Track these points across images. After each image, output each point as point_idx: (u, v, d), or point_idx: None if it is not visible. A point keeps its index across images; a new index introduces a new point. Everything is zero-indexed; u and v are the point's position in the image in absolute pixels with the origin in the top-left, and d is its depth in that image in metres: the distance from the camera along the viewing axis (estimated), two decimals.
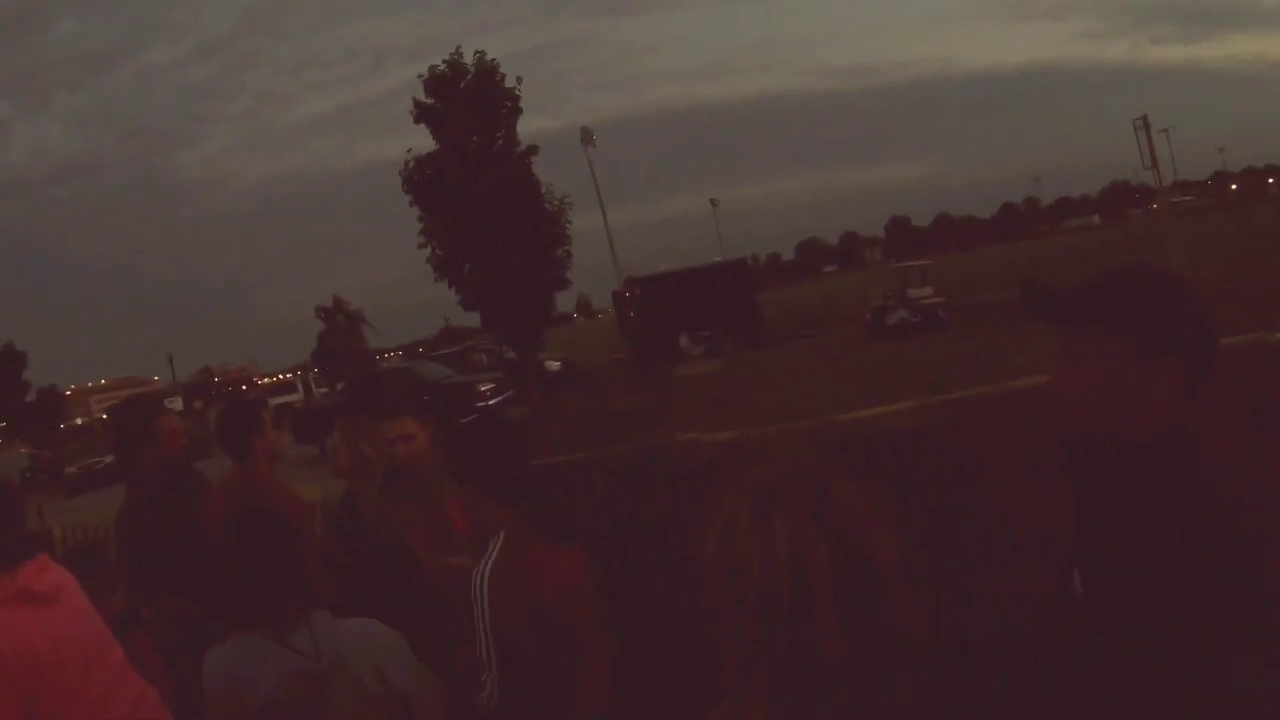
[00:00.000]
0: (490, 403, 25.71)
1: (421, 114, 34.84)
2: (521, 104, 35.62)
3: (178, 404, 44.26)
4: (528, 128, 35.10)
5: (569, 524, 3.34)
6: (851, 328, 35.60)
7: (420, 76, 34.90)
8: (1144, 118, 27.53)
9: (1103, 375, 1.88)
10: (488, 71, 34.82)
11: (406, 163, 34.27)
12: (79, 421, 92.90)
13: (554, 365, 35.56)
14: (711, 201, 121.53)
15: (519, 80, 35.43)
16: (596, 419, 19.91)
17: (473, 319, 41.59)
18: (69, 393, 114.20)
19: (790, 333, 40.01)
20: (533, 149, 35.41)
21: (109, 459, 38.54)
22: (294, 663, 2.74)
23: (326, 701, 2.76)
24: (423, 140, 35.50)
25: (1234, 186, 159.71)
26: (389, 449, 5.15)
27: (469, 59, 34.97)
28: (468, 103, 34.22)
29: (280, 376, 79.81)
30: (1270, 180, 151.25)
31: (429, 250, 34.47)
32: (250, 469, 5.34)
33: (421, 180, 33.99)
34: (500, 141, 34.95)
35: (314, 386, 60.22)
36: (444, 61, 34.73)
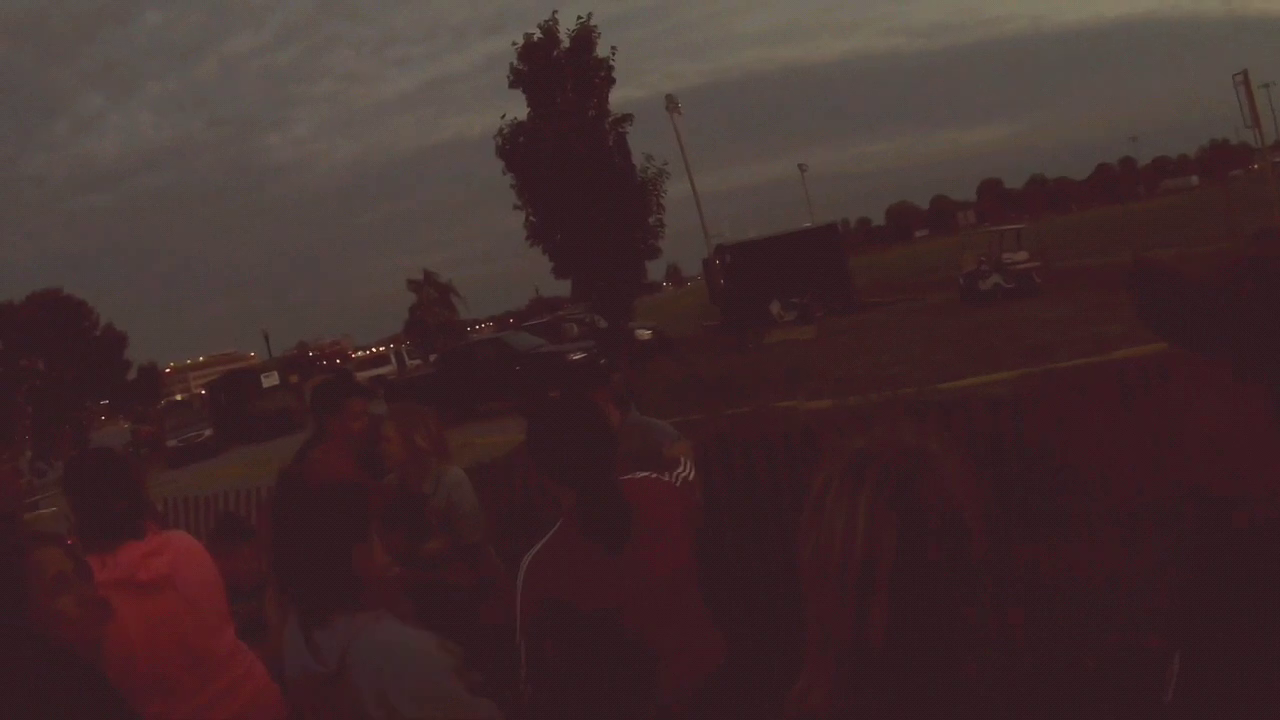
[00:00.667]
0: None
1: (517, 79, 35.13)
2: (615, 74, 35.81)
3: (274, 378, 45.14)
4: (614, 97, 35.26)
5: (619, 530, 3.09)
6: (944, 293, 35.08)
7: (515, 44, 35.21)
8: (1244, 73, 26.40)
9: (1229, 419, 1.37)
10: (585, 36, 34.95)
11: (501, 129, 34.64)
12: (178, 397, 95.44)
13: (645, 334, 35.46)
14: (800, 166, 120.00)
15: (613, 50, 35.59)
16: (690, 387, 19.99)
17: (563, 289, 41.96)
18: (168, 370, 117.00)
19: (883, 298, 39.57)
20: (626, 117, 35.56)
21: (208, 432, 39.48)
22: (305, 663, 2.68)
23: (331, 708, 2.66)
24: (515, 108, 36.09)
25: None
26: None
27: (567, 24, 35.19)
28: (563, 69, 34.46)
29: (374, 349, 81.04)
30: None
31: (524, 217, 34.86)
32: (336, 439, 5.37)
33: (516, 147, 34.34)
34: (593, 110, 35.14)
35: (406, 358, 61.13)
36: (539, 28, 34.97)
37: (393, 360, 60.09)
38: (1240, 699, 1.32)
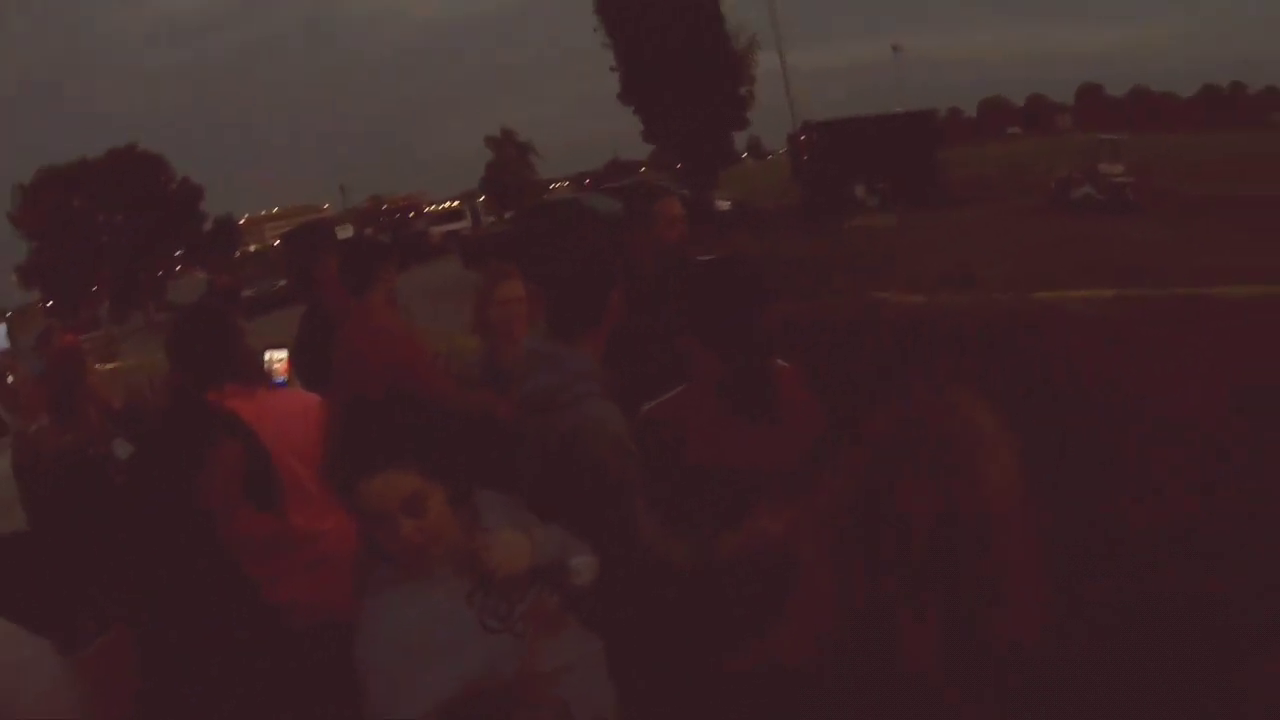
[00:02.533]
0: None
1: None
2: None
3: (348, 230, 45.62)
4: None
5: (767, 400, 3.03)
6: (1033, 197, 34.33)
7: None
8: None
9: None
10: None
11: None
12: (253, 249, 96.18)
13: (724, 205, 34.87)
14: (894, 48, 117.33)
15: None
16: (770, 265, 19.88)
17: (640, 153, 41.67)
18: (243, 221, 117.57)
19: (968, 194, 38.87)
20: None
21: (283, 282, 39.80)
22: None
23: None
24: None
25: None
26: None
27: None
28: None
29: (448, 204, 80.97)
30: None
31: (618, 76, 34.53)
32: (367, 308, 5.05)
33: (613, 3, 33.92)
34: None
35: (481, 214, 60.94)
36: None
37: (467, 215, 59.92)
38: None
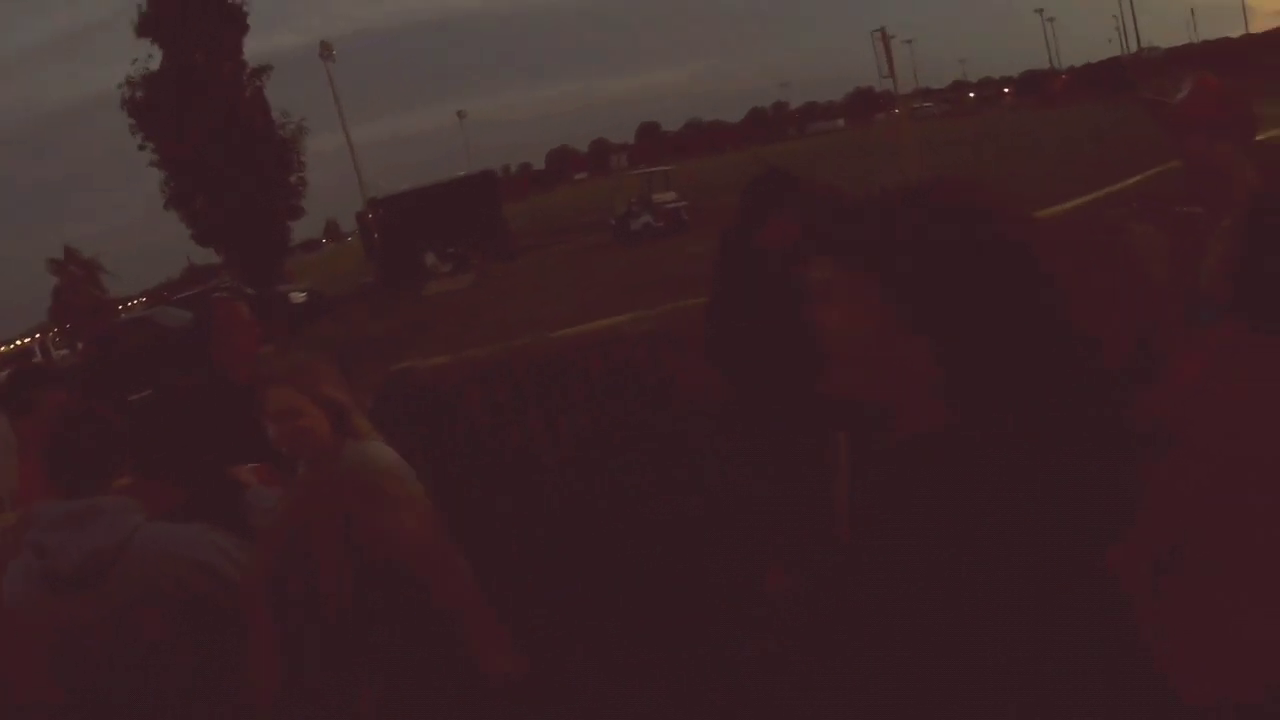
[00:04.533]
0: None
1: (144, 26, 32.78)
2: (249, 20, 34.22)
3: None
4: (265, 45, 33.96)
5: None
6: (600, 234, 36.07)
7: None
8: (881, 30, 28.80)
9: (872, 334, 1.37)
10: None
11: (129, 78, 32.41)
12: None
13: (299, 296, 33.64)
14: (459, 114, 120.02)
15: None
16: (347, 348, 19.44)
17: (213, 256, 39.91)
18: None
19: (540, 242, 39.94)
20: (263, 69, 34.14)
21: None
22: None
23: None
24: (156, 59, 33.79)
25: (971, 95, 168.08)
26: None
27: None
28: (191, 15, 32.39)
29: (17, 343, 74.08)
30: (1005, 90, 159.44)
31: (160, 179, 32.88)
32: None
33: (144, 101, 32.23)
34: (228, 62, 33.39)
35: (52, 350, 56.25)
36: None
37: (38, 353, 55.04)
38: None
